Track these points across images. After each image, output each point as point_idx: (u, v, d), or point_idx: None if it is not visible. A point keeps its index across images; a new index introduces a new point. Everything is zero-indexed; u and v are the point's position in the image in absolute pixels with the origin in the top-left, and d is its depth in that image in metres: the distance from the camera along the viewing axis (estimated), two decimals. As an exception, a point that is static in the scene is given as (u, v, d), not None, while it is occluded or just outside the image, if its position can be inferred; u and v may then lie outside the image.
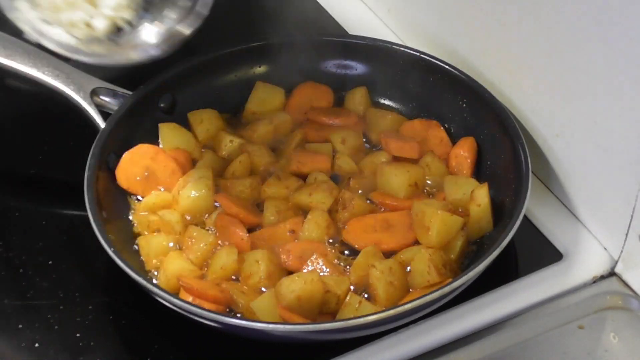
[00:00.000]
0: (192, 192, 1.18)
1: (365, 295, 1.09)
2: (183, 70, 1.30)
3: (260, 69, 1.35)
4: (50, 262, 1.18)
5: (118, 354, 1.10)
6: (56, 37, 1.05)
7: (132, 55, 1.18)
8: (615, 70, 1.02)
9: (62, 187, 1.30)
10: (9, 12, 1.03)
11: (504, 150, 1.18)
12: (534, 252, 1.17)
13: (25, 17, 1.03)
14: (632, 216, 1.07)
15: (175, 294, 1.07)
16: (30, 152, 1.35)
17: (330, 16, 1.56)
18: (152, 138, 1.25)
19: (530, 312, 1.10)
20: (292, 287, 1.05)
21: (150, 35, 1.18)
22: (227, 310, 1.08)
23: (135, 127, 1.24)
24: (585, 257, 1.15)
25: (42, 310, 1.12)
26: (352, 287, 1.09)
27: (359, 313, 1.05)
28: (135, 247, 1.16)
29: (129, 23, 1.16)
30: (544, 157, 1.21)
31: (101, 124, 1.21)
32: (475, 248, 1.14)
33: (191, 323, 1.04)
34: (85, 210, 1.11)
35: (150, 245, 1.14)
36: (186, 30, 1.20)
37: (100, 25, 1.09)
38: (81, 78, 1.25)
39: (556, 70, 1.12)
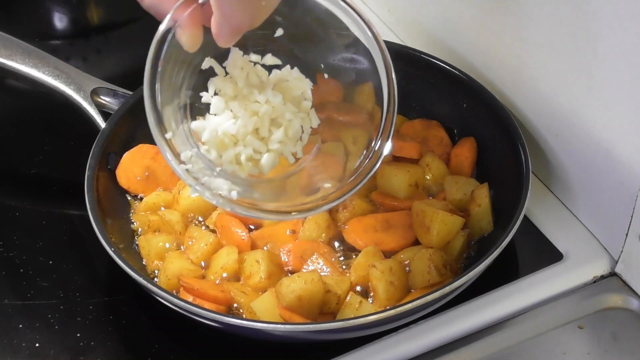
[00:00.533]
0: (192, 192, 1.18)
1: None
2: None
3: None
4: (50, 262, 1.18)
5: (118, 354, 1.10)
6: (219, 190, 0.94)
7: (307, 209, 0.99)
8: (615, 71, 1.02)
9: (62, 187, 1.30)
10: (172, 164, 0.94)
11: (504, 150, 1.18)
12: (534, 252, 1.17)
13: (189, 169, 0.94)
14: (632, 216, 1.07)
15: (176, 294, 1.07)
16: (30, 152, 1.35)
17: (330, 16, 1.55)
18: (153, 138, 1.25)
19: (530, 312, 1.10)
20: (293, 287, 1.05)
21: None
22: (228, 310, 1.08)
23: (136, 127, 1.23)
24: (585, 257, 1.15)
25: (42, 310, 1.12)
26: (357, 288, 1.10)
27: (359, 313, 1.05)
28: (136, 247, 1.16)
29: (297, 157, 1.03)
30: (544, 157, 1.21)
31: (101, 124, 1.21)
32: (475, 248, 1.14)
33: (191, 323, 1.04)
34: (85, 210, 1.11)
35: (151, 245, 1.14)
36: (371, 172, 1.00)
37: (266, 161, 0.98)
38: (81, 78, 1.25)
39: (556, 71, 1.12)
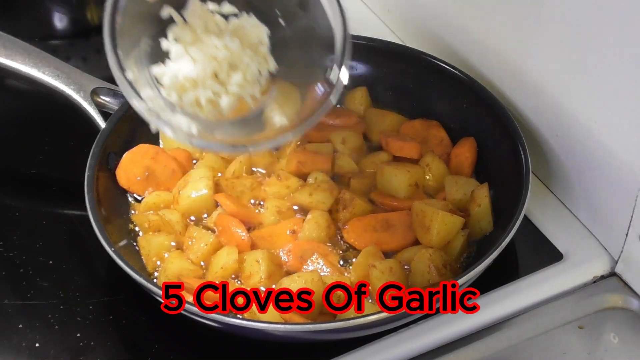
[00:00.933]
0: (192, 192, 1.18)
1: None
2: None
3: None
4: (50, 262, 1.18)
5: (118, 354, 1.10)
6: (179, 125, 0.96)
7: (264, 141, 1.02)
8: (615, 70, 1.02)
9: (62, 187, 1.30)
10: (133, 101, 0.96)
11: (504, 150, 1.18)
12: (534, 252, 1.17)
13: (150, 107, 0.96)
14: (632, 216, 1.07)
15: (176, 294, 1.07)
16: (30, 152, 1.35)
17: (330, 16, 1.55)
18: (153, 138, 1.25)
19: (530, 312, 1.10)
20: (293, 286, 1.05)
21: (282, 116, 1.04)
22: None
23: (136, 127, 1.23)
24: (585, 257, 1.15)
25: (42, 310, 1.12)
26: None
27: (359, 313, 1.05)
28: (136, 247, 1.16)
29: (257, 99, 1.04)
30: (544, 157, 1.21)
31: (101, 124, 1.22)
32: (475, 248, 1.14)
33: (191, 323, 1.04)
34: (85, 210, 1.11)
35: (151, 245, 1.14)
36: (327, 104, 1.01)
37: (226, 103, 0.99)
38: (81, 78, 1.25)
39: (556, 70, 1.12)
